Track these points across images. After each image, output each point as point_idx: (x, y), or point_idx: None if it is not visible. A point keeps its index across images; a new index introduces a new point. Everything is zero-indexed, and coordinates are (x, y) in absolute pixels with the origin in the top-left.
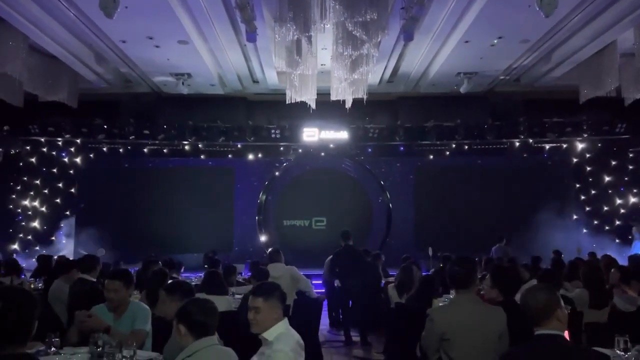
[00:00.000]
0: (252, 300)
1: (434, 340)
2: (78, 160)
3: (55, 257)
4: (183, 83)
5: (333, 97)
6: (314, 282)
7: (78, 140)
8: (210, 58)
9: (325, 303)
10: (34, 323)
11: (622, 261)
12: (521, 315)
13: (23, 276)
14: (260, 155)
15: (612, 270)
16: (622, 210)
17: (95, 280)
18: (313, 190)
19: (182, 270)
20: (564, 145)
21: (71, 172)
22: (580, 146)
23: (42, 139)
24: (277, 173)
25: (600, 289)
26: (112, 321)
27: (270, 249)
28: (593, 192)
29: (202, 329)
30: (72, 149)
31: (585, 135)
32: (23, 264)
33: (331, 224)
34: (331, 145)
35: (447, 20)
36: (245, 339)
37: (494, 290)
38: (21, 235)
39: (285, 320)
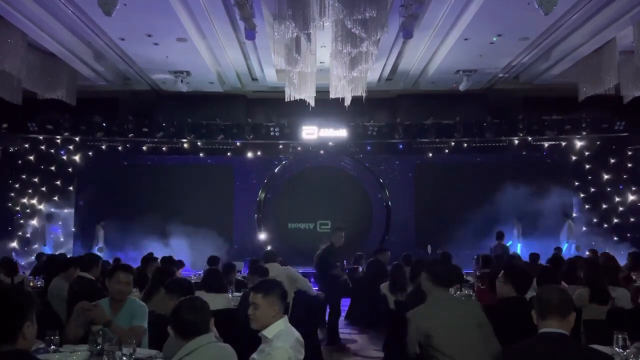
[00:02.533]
0: (251, 296)
1: (419, 340)
2: (77, 158)
3: (57, 252)
4: (182, 81)
5: (332, 95)
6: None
7: (77, 138)
8: (209, 56)
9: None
10: (25, 321)
11: (620, 259)
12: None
13: (22, 273)
14: (259, 153)
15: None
16: (621, 208)
17: (94, 278)
18: (312, 188)
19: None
20: (563, 143)
21: (70, 170)
22: (579, 144)
23: (41, 137)
24: (276, 171)
25: (601, 285)
26: (110, 317)
27: (265, 250)
28: (592, 189)
29: (192, 329)
30: (71, 147)
31: (584, 133)
32: (22, 262)
33: (341, 215)
34: (330, 143)
35: (446, 17)
36: (244, 336)
37: (507, 286)
38: (20, 233)
39: (285, 318)
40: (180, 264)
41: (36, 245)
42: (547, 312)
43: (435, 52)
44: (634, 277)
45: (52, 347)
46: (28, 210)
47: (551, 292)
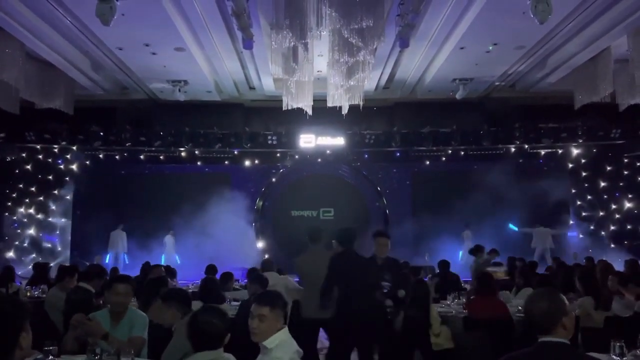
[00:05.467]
0: (257, 308)
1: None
2: (74, 167)
3: (52, 264)
4: (179, 90)
5: (329, 104)
6: None
7: (74, 147)
8: (206, 65)
9: None
10: (20, 333)
11: (618, 266)
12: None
13: (19, 284)
14: (256, 161)
15: (610, 276)
16: (618, 215)
17: (92, 289)
18: (309, 196)
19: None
20: (560, 151)
21: (67, 179)
22: (575, 151)
23: (38, 146)
24: (273, 179)
25: (600, 292)
26: (110, 328)
27: (263, 259)
28: (589, 197)
29: (205, 342)
30: (69, 156)
31: (581, 141)
32: (19, 271)
33: (339, 214)
34: (328, 152)
35: (442, 26)
36: (242, 346)
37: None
38: (17, 242)
39: (286, 329)
40: (175, 273)
41: (33, 255)
42: (536, 325)
43: (431, 61)
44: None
45: (50, 357)
46: (25, 220)
47: (532, 305)
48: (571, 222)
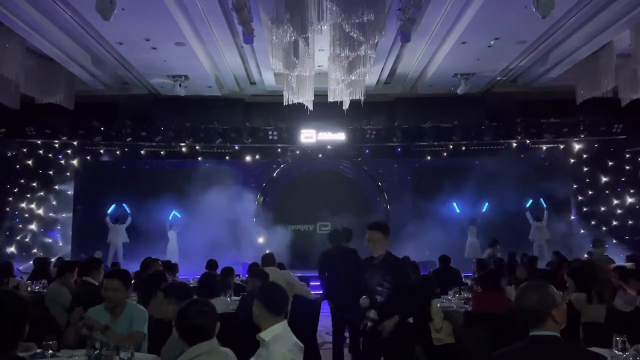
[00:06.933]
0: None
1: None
2: (75, 162)
3: (52, 259)
4: (180, 85)
5: (330, 99)
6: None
7: (75, 143)
8: (207, 60)
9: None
10: (24, 327)
11: (619, 261)
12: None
13: (20, 278)
14: (257, 156)
15: (613, 272)
16: (619, 211)
17: (97, 283)
18: (310, 192)
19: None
20: (561, 146)
21: (68, 174)
22: (577, 147)
23: (39, 141)
24: (274, 174)
25: (592, 287)
26: (109, 322)
27: (264, 253)
28: (590, 192)
29: (197, 334)
30: (69, 151)
31: (582, 136)
32: (20, 267)
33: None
34: (329, 147)
35: (444, 21)
36: (243, 340)
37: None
38: (18, 237)
39: (284, 322)
40: (176, 268)
41: (34, 250)
42: (525, 319)
43: (433, 56)
44: None
45: (50, 352)
46: (26, 215)
47: (521, 299)
48: (572, 217)
